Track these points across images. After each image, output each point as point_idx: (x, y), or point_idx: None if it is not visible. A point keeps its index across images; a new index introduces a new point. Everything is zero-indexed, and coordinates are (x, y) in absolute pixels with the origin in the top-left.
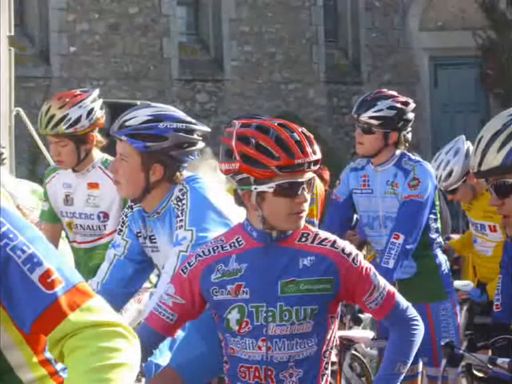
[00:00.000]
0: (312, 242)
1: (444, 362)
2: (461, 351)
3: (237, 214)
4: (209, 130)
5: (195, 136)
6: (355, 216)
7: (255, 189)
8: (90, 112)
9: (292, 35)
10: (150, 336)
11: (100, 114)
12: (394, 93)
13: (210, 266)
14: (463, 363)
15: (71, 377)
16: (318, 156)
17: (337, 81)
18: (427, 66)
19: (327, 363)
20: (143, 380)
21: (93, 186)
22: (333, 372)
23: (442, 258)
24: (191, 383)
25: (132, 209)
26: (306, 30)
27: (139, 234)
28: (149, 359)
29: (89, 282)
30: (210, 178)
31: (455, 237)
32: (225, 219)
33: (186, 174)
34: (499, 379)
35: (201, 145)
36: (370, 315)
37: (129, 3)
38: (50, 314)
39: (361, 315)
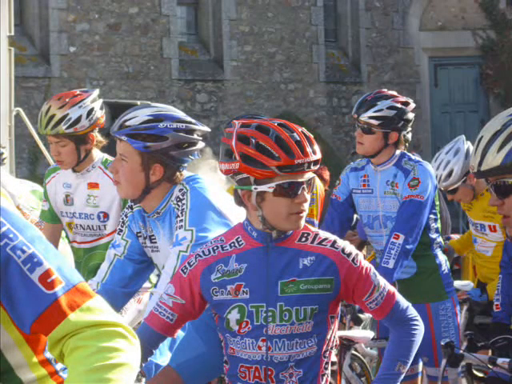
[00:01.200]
0: (312, 242)
1: (444, 362)
2: (461, 351)
3: (237, 214)
4: (209, 130)
5: (195, 136)
6: (355, 216)
7: (255, 189)
8: (90, 112)
9: (292, 35)
10: (150, 336)
11: (100, 113)
12: (394, 93)
13: (210, 266)
14: (463, 363)
15: (71, 377)
16: (318, 156)
17: (337, 81)
18: (427, 66)
19: (327, 363)
20: (143, 380)
21: (93, 185)
22: (333, 372)
23: (441, 258)
24: (191, 383)
25: (132, 209)
26: (305, 30)
27: (139, 234)
28: (149, 359)
29: (89, 282)
30: (209, 178)
31: (455, 237)
32: (225, 219)
33: (185, 173)
34: (499, 379)
35: (201, 145)
36: (370, 315)
37: (129, 3)
38: (50, 314)
39: (361, 315)
